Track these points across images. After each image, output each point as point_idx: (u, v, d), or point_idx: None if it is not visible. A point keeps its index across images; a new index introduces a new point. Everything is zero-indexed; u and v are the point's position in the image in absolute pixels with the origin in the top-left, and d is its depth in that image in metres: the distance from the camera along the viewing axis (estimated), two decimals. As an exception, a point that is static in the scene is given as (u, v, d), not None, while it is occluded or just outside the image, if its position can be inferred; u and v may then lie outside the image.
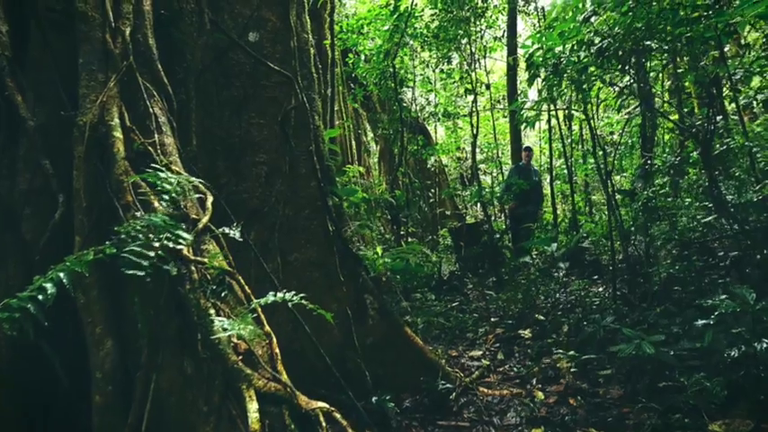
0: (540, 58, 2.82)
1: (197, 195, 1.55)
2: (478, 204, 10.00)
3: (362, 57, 9.20)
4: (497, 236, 7.60)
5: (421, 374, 2.68)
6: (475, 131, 6.92)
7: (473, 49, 8.63)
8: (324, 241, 2.71)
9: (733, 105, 4.09)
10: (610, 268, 4.39)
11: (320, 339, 2.73)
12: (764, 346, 1.50)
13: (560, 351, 3.04)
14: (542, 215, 7.59)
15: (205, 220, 1.48)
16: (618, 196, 5.06)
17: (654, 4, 2.41)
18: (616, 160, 6.00)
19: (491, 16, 8.67)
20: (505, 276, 6.31)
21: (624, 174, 8.36)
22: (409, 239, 9.38)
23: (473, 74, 7.17)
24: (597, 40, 2.70)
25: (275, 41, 2.68)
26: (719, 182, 3.66)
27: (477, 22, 8.60)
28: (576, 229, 7.38)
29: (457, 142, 13.31)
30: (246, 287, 1.44)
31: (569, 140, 8.26)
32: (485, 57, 9.70)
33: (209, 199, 1.58)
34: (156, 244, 1.14)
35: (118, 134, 1.56)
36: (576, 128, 9.21)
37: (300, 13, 2.79)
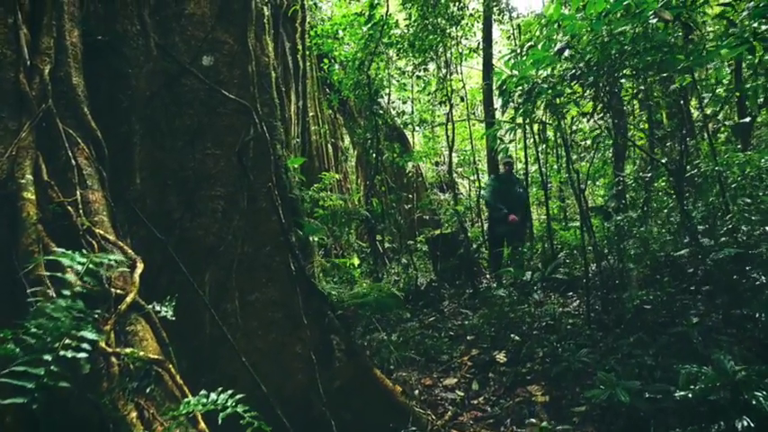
0: (513, 85, 2.73)
1: (123, 269, 1.35)
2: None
3: (338, 62, 9.00)
4: (474, 247, 7.54)
5: (391, 419, 2.54)
6: (450, 143, 6.84)
7: (449, 57, 8.57)
8: (287, 279, 2.54)
9: (698, 112, 4.13)
10: (584, 281, 4.37)
11: (284, 384, 2.57)
12: (745, 424, 1.44)
13: (535, 387, 2.97)
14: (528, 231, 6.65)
15: (130, 298, 1.29)
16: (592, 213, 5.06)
17: (628, 31, 2.33)
18: (590, 172, 5.97)
19: (467, 24, 8.62)
20: (481, 287, 6.27)
21: (597, 183, 8.44)
22: (386, 245, 9.25)
23: (449, 83, 7.09)
24: (570, 65, 2.62)
25: (232, 65, 2.48)
26: (689, 205, 3.68)
27: (454, 30, 8.55)
28: (551, 237, 7.39)
29: (434, 149, 13.25)
30: (178, 377, 1.26)
31: (543, 147, 8.29)
32: (460, 64, 9.66)
33: (138, 269, 1.39)
34: (49, 357, 0.95)
35: (29, 194, 1.34)
36: (550, 134, 9.26)
37: (260, 35, 2.60)
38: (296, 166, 3.20)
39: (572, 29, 2.19)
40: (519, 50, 3.53)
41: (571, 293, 5.35)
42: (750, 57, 2.34)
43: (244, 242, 2.49)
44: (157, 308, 1.35)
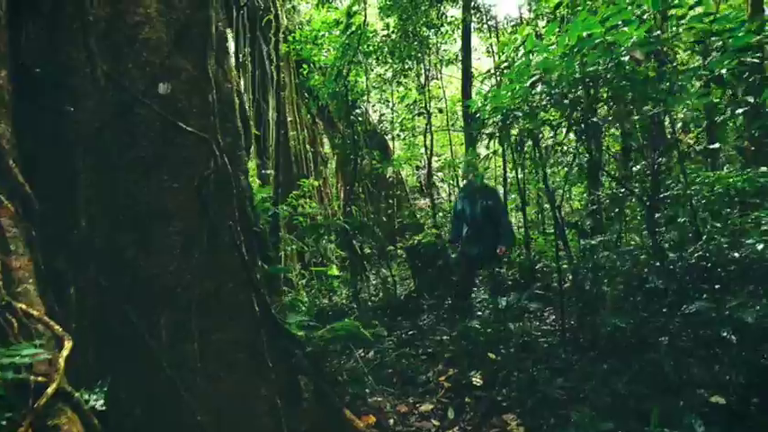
0: (487, 114, 2.67)
1: (46, 356, 1.20)
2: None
3: (317, 68, 8.85)
4: (454, 256, 7.51)
5: (361, 462, 2.46)
6: (429, 155, 6.78)
7: (428, 66, 8.53)
8: (251, 318, 2.42)
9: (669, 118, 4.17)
10: (559, 298, 4.37)
11: (248, 428, 2.44)
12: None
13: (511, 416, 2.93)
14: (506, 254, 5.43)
15: (51, 389, 1.15)
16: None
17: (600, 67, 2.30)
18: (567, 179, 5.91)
19: (446, 31, 8.60)
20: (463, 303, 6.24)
21: (574, 193, 8.50)
22: (366, 250, 9.14)
23: (427, 92, 7.03)
24: (545, 93, 2.58)
25: (191, 93, 2.34)
26: (661, 226, 3.71)
27: (434, 37, 8.53)
28: (528, 246, 7.40)
29: (414, 154, 13.19)
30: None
31: (520, 156, 8.30)
32: (440, 71, 9.64)
33: (66, 349, 1.25)
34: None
35: (-63, 269, 1.19)
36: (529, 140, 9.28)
37: (222, 60, 2.47)
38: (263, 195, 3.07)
39: (545, 64, 2.14)
40: (495, 71, 3.49)
41: (548, 308, 5.37)
42: (719, 90, 2.33)
43: (204, 280, 2.36)
44: (86, 396, 1.22)
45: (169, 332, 2.30)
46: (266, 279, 2.53)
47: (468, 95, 7.08)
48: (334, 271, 8.66)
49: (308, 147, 11.40)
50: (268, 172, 8.38)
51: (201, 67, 2.34)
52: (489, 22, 8.23)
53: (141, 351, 2.24)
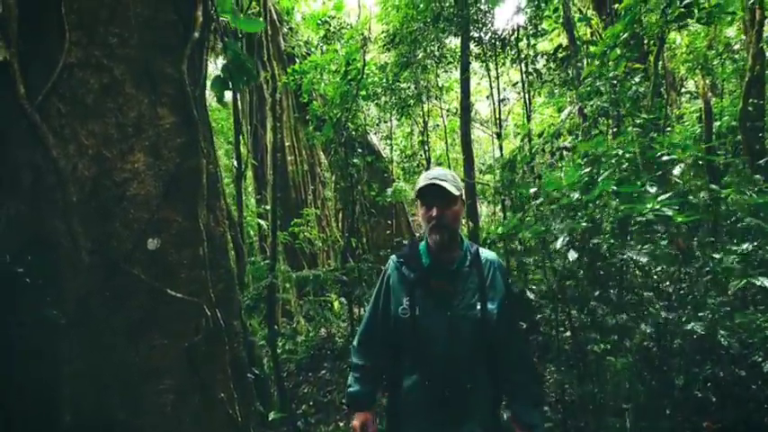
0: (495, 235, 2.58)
1: None
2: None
3: (318, 94, 8.70)
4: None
5: None
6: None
7: (427, 98, 8.39)
8: (246, 472, 2.35)
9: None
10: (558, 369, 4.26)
11: None
12: None
13: None
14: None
15: None
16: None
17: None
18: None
19: (447, 61, 8.47)
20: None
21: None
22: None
23: (425, 140, 6.92)
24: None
25: (181, 246, 2.24)
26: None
27: (435, 66, 8.41)
28: (526, 280, 7.22)
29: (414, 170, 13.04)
30: None
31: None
32: (440, 98, 9.50)
33: None
34: None
35: None
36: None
37: (214, 206, 2.36)
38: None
39: (567, 227, 2.05)
40: (495, 164, 3.37)
41: (550, 365, 5.26)
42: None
43: (198, 436, 2.28)
44: None
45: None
46: (263, 426, 2.45)
47: (468, 140, 6.93)
48: (335, 302, 8.60)
49: (306, 170, 11.29)
50: (266, 207, 8.30)
51: (192, 217, 2.24)
52: (488, 53, 8.03)
53: None
